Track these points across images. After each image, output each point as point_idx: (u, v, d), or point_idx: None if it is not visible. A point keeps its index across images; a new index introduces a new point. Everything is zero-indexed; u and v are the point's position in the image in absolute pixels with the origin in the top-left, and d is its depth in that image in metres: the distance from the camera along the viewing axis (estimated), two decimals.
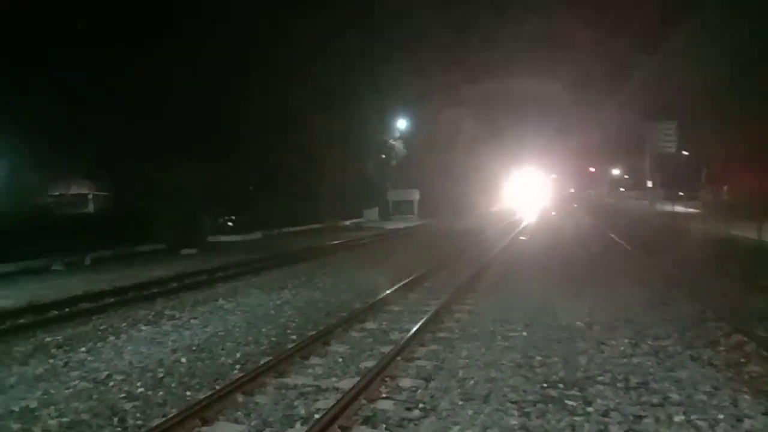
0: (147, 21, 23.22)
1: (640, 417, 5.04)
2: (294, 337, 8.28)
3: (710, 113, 33.34)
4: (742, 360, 6.65)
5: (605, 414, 5.13)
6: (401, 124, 45.26)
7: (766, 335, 7.53)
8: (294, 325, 9.05)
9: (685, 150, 39.77)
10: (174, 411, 5.48)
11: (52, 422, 5.32)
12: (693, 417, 5.03)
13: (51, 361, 7.29)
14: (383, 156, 44.10)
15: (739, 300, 9.90)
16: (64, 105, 21.61)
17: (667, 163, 37.87)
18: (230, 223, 27.04)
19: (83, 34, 21.07)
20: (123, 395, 5.98)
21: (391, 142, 44.68)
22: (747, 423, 4.92)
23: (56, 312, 10.32)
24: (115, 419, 5.39)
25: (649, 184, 37.27)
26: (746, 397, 5.51)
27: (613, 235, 23.34)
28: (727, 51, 30.53)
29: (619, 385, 5.85)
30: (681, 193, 36.54)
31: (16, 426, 5.25)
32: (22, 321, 9.62)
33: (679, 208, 28.81)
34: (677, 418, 5.02)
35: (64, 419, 5.38)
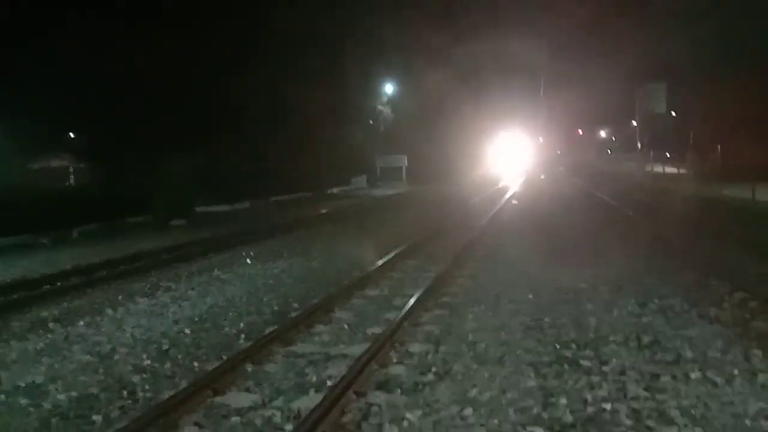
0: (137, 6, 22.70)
1: (657, 375, 5.03)
2: (296, 305, 8.18)
3: (698, 74, 33.34)
4: (747, 316, 6.67)
5: (622, 372, 5.11)
6: (389, 88, 44.71)
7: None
8: (295, 293, 8.94)
9: (674, 111, 39.85)
10: (183, 382, 5.38)
11: (61, 397, 5.19)
12: (709, 374, 5.03)
13: (50, 335, 7.13)
14: (371, 122, 43.66)
15: (737, 259, 9.96)
16: (49, 85, 21.08)
17: (656, 124, 37.91)
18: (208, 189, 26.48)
19: (74, 17, 20.52)
20: (130, 368, 5.86)
21: (379, 107, 44.21)
22: (762, 377, 4.93)
23: (49, 286, 10.11)
24: (125, 392, 5.27)
25: (639, 145, 37.34)
26: (756, 351, 5.52)
27: (605, 197, 23.41)
28: (715, 8, 30.37)
29: (631, 344, 5.84)
30: (668, 155, 36.74)
31: (25, 401, 5.12)
32: (15, 296, 9.39)
33: (670, 170, 28.95)
34: (693, 375, 5.01)
35: (73, 393, 5.25)
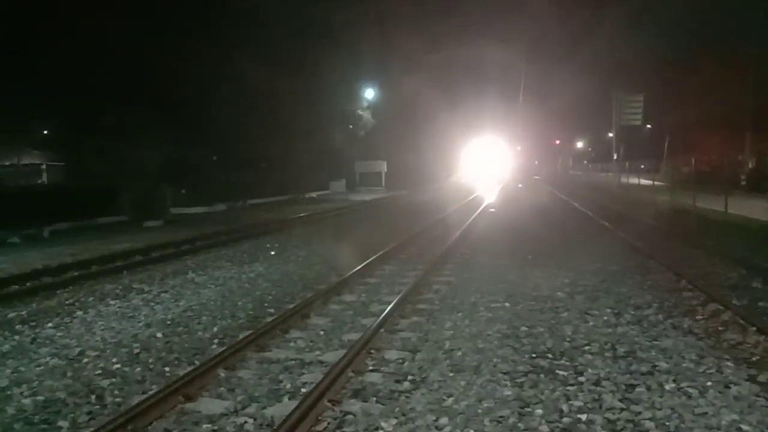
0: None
1: (633, 386, 5.04)
2: (272, 310, 8.08)
3: (672, 84, 33.87)
4: (720, 328, 6.74)
5: (597, 383, 5.12)
6: (369, 93, 44.70)
7: (740, 304, 7.68)
8: (270, 298, 8.84)
9: (649, 123, 40.45)
10: (154, 388, 5.27)
11: (26, 401, 5.03)
12: (683, 384, 5.05)
13: (17, 337, 6.94)
14: (351, 126, 43.59)
15: (710, 270, 10.10)
16: (20, 78, 20.69)
17: (632, 135, 38.45)
18: (183, 191, 26.19)
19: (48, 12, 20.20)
20: (99, 372, 5.71)
21: (359, 112, 44.16)
22: (734, 389, 4.96)
23: (17, 287, 9.86)
24: (93, 397, 5.13)
25: (615, 156, 37.81)
26: (729, 364, 5.57)
27: (581, 208, 23.66)
28: (688, 18, 30.96)
29: (607, 354, 5.85)
30: (642, 166, 37.23)
31: None
32: None
33: (645, 181, 29.34)
34: (668, 386, 5.03)
35: (39, 398, 5.10)
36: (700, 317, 7.19)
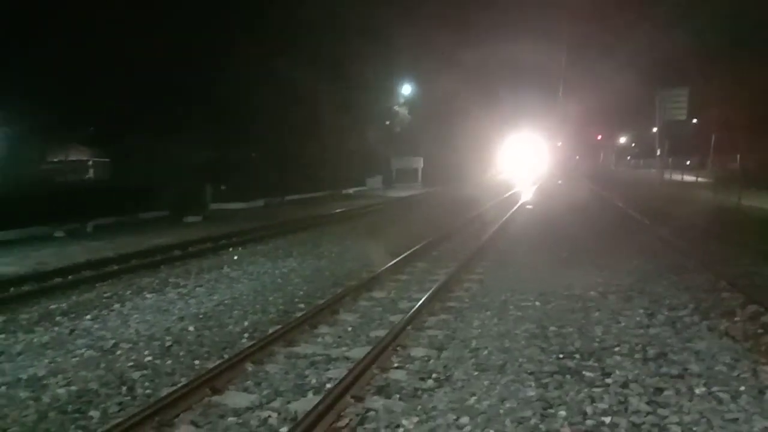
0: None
1: (660, 389, 4.93)
2: (302, 305, 8.16)
3: (720, 79, 32.85)
4: (760, 331, 6.52)
5: (624, 386, 5.02)
6: (406, 89, 44.51)
7: None
8: (301, 293, 8.93)
9: (695, 118, 39.23)
10: (183, 380, 5.39)
11: (61, 391, 5.22)
12: (714, 389, 4.91)
13: (56, 329, 7.19)
14: (387, 123, 43.57)
15: (752, 270, 9.77)
16: (67, 77, 21.38)
17: (677, 131, 37.37)
18: (223, 187, 26.65)
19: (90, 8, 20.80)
20: (131, 364, 5.88)
21: (396, 108, 44.09)
22: None
23: (60, 279, 10.20)
24: (124, 388, 5.29)
25: (658, 152, 36.82)
26: (766, 368, 5.39)
27: (620, 204, 23.16)
28: (737, 13, 29.95)
29: (636, 356, 5.73)
30: (688, 162, 36.20)
31: (24, 394, 5.16)
32: (25, 288, 9.50)
33: (689, 178, 28.52)
34: (698, 391, 4.90)
35: (73, 388, 5.28)
36: (738, 319, 6.96)
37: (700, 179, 25.77)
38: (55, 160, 30.64)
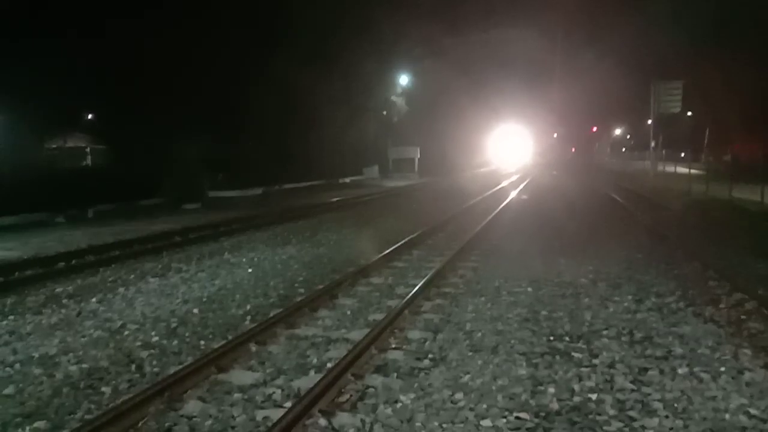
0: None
1: (645, 369, 5.19)
2: (302, 290, 8.40)
3: (714, 75, 33.09)
4: (743, 317, 6.78)
5: (611, 366, 5.28)
6: (403, 80, 44.64)
7: (766, 294, 7.67)
8: (301, 279, 9.16)
9: (689, 110, 39.54)
10: (189, 359, 5.62)
11: (73, 368, 5.45)
12: (696, 369, 5.18)
13: (63, 311, 7.41)
14: (384, 113, 43.69)
15: (739, 261, 10.05)
16: (63, 65, 21.47)
17: (672, 124, 37.65)
18: (221, 175, 26.82)
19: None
20: (139, 344, 6.11)
21: (393, 98, 44.21)
22: (747, 375, 5.07)
23: (63, 264, 10.42)
24: (133, 366, 5.52)
25: (652, 144, 37.14)
26: (746, 351, 5.65)
27: (613, 195, 23.45)
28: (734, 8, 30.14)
29: (623, 339, 5.99)
30: (682, 154, 36.45)
31: (38, 371, 5.38)
32: (30, 272, 9.71)
33: (682, 170, 28.85)
34: (681, 371, 5.16)
35: (84, 365, 5.51)
36: (723, 306, 7.24)
37: (693, 171, 26.09)
38: (53, 146, 30.67)
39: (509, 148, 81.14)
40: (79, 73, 22.33)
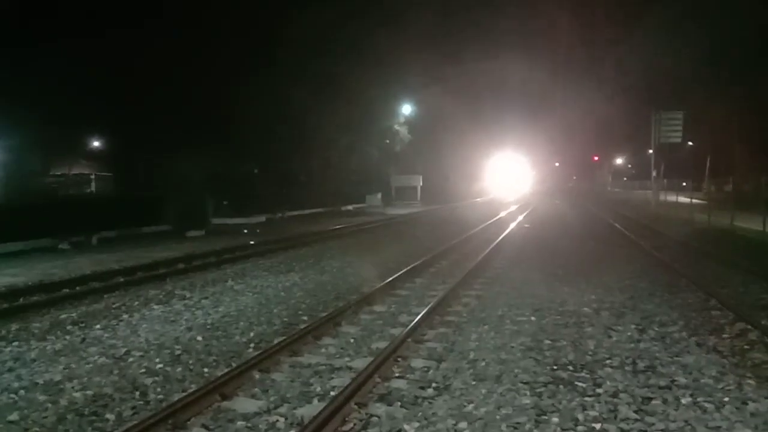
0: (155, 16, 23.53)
1: (649, 398, 5.19)
2: (305, 318, 8.42)
3: (716, 103, 33.42)
4: (746, 347, 6.78)
5: (614, 395, 5.28)
6: (406, 109, 45.12)
7: None
8: (305, 306, 9.19)
9: (690, 140, 39.82)
10: (193, 386, 5.63)
11: (77, 395, 5.46)
12: (700, 399, 5.18)
13: (68, 337, 7.43)
14: (387, 141, 44.06)
15: (743, 290, 10.06)
16: (67, 92, 21.82)
17: (673, 153, 37.91)
18: (225, 202, 27.01)
19: (88, 24, 21.34)
20: (143, 371, 6.12)
21: (396, 127, 44.62)
22: (752, 406, 5.06)
23: (68, 290, 10.46)
24: (137, 393, 5.53)
25: (654, 174, 37.35)
26: (750, 381, 5.65)
27: (615, 224, 23.51)
28: (734, 40, 30.59)
29: (627, 368, 5.99)
30: (684, 184, 36.62)
31: (43, 397, 5.40)
32: (35, 298, 9.76)
33: (683, 199, 28.96)
34: (684, 401, 5.16)
35: (89, 392, 5.52)
36: (726, 336, 7.24)
37: (694, 201, 26.20)
38: (58, 173, 30.96)
39: (515, 177, 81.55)
40: (88, 102, 22.68)
